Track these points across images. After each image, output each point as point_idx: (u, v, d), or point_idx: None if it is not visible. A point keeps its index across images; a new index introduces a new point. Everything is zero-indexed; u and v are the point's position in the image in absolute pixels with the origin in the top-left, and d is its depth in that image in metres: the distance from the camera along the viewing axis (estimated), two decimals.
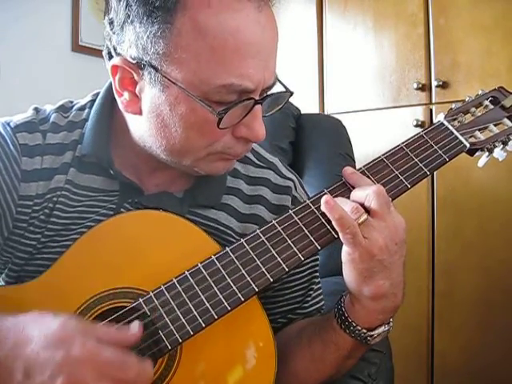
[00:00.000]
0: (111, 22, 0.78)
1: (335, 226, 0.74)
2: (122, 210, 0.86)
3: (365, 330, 0.79)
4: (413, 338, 2.09)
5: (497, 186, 1.95)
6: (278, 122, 1.53)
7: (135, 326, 0.68)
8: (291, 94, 0.82)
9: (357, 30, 2.31)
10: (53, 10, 2.33)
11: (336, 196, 0.79)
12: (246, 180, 0.94)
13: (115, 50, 0.79)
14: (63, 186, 0.86)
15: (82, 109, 0.92)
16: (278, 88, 0.82)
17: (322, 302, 0.99)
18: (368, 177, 0.80)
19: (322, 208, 0.76)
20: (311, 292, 0.97)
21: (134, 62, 0.76)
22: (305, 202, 0.80)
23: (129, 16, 0.74)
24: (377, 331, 0.79)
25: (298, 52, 2.46)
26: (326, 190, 0.80)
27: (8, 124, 0.87)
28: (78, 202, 0.86)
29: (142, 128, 0.81)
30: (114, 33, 0.78)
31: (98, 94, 0.92)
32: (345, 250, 0.75)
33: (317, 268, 0.98)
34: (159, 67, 0.74)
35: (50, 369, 0.59)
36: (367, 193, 0.75)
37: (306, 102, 2.17)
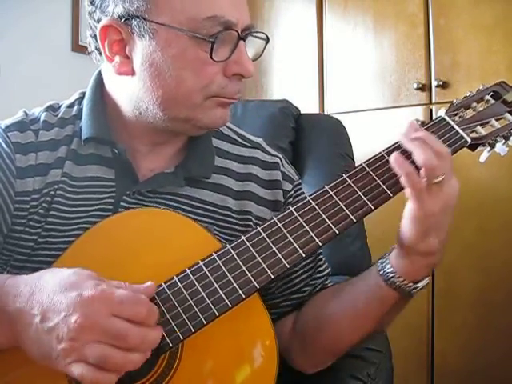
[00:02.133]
0: (92, 1, 0.84)
1: (404, 182, 0.76)
2: (121, 203, 0.87)
3: (410, 284, 0.81)
4: (413, 338, 2.09)
5: (497, 186, 1.96)
6: (277, 122, 1.52)
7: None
8: (268, 39, 0.88)
9: (357, 30, 2.31)
10: (53, 10, 2.33)
11: (337, 192, 0.79)
12: (235, 159, 0.97)
13: (100, 21, 0.83)
14: (60, 179, 0.88)
15: (70, 106, 0.95)
16: None
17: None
18: (368, 173, 0.80)
19: (391, 162, 0.78)
20: (320, 256, 1.01)
21: (121, 20, 0.80)
22: (306, 198, 0.80)
23: None
24: (421, 284, 0.82)
25: (298, 52, 2.46)
26: (326, 187, 0.80)
27: None
28: (76, 194, 0.88)
29: (136, 87, 0.84)
30: (96, 6, 0.83)
31: (84, 92, 0.95)
32: (410, 206, 0.77)
33: None
34: (146, 15, 0.79)
35: (64, 309, 0.64)
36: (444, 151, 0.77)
37: (306, 102, 2.18)
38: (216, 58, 0.79)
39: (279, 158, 1.00)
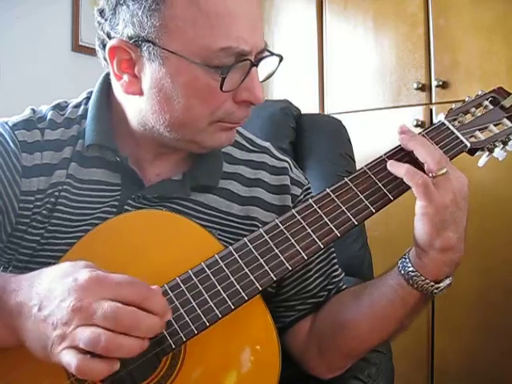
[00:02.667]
0: (102, 11, 0.81)
1: (407, 181, 0.77)
2: (125, 206, 0.87)
3: (432, 283, 0.81)
4: (413, 338, 2.09)
5: (497, 186, 1.96)
6: (278, 122, 1.52)
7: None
8: (281, 58, 0.85)
9: (357, 30, 2.31)
10: (53, 10, 2.33)
11: (339, 195, 0.79)
12: (246, 164, 0.96)
13: (109, 36, 0.81)
14: (64, 180, 0.88)
15: (77, 106, 0.94)
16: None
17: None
18: (370, 176, 0.81)
19: (389, 167, 0.79)
20: (334, 260, 1.00)
21: (131, 41, 0.78)
22: (307, 201, 0.80)
23: None
24: (443, 283, 0.82)
25: (298, 52, 2.47)
26: (328, 190, 0.80)
27: (6, 123, 0.89)
28: (80, 196, 0.87)
29: (143, 108, 0.83)
30: (106, 20, 0.81)
31: (91, 91, 0.94)
32: (419, 204, 0.77)
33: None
34: (157, 40, 0.76)
35: (59, 296, 0.63)
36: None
37: (305, 102, 2.18)
38: (226, 88, 0.78)
39: (288, 162, 1.00)
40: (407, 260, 0.83)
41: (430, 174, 0.76)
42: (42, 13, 2.28)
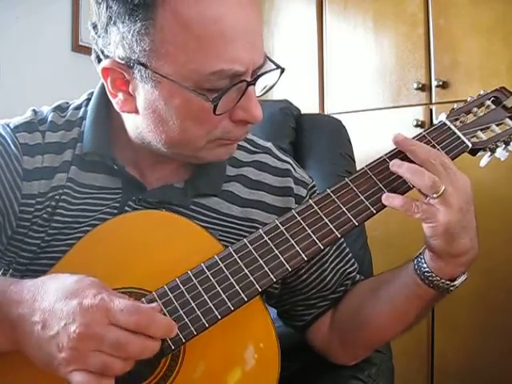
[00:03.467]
0: (95, 26, 0.79)
1: (410, 214, 0.76)
2: (126, 208, 0.87)
3: (448, 282, 0.82)
4: (413, 338, 2.09)
5: (497, 186, 1.95)
6: (277, 122, 1.52)
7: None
8: (282, 69, 0.82)
9: (357, 30, 2.31)
10: (53, 10, 2.33)
11: (339, 196, 0.79)
12: (250, 165, 0.96)
13: (103, 52, 0.79)
14: (65, 183, 0.87)
15: (78, 108, 0.93)
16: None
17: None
18: (371, 177, 0.80)
19: (384, 202, 0.77)
20: (347, 254, 1.01)
21: (122, 62, 0.76)
22: (308, 202, 0.80)
23: (111, 17, 0.74)
24: (458, 281, 0.83)
25: (298, 52, 2.46)
26: (328, 191, 0.80)
27: (7, 125, 0.88)
28: (81, 199, 0.87)
29: (140, 126, 0.82)
30: (98, 36, 0.78)
31: (92, 92, 0.93)
32: (425, 226, 0.77)
33: None
34: (148, 64, 0.74)
35: (64, 318, 0.64)
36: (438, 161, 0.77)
37: (305, 102, 2.17)
38: (220, 110, 0.75)
39: (290, 163, 0.99)
40: (422, 261, 0.83)
41: (427, 199, 0.76)
42: (41, 13, 2.28)
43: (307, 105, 2.11)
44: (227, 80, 0.74)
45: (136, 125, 0.83)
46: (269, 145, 1.01)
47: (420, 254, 0.84)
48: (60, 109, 0.93)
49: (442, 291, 0.83)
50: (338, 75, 2.38)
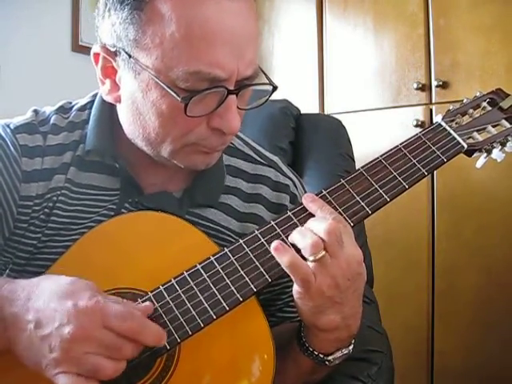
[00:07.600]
0: (98, 14, 0.82)
1: (287, 272, 0.72)
2: (122, 210, 0.87)
3: (321, 355, 0.80)
4: (413, 338, 2.09)
5: (496, 186, 1.96)
6: (277, 122, 1.53)
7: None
8: (274, 88, 0.81)
9: (357, 30, 2.31)
10: (53, 10, 2.33)
11: (336, 197, 0.79)
12: (245, 178, 0.94)
13: (101, 40, 0.81)
14: (63, 185, 0.87)
15: (82, 109, 0.92)
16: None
17: None
18: (366, 178, 0.81)
19: (273, 253, 0.73)
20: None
21: (111, 49, 0.78)
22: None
23: (106, 5, 0.78)
24: (333, 356, 0.80)
25: (298, 52, 2.46)
26: (324, 192, 0.80)
27: (8, 126, 0.88)
28: (78, 200, 0.87)
29: (123, 117, 0.83)
30: (98, 23, 0.81)
31: (96, 94, 0.93)
32: (295, 288, 0.74)
33: None
34: (131, 53, 0.76)
35: (58, 319, 0.64)
36: (322, 228, 0.72)
37: (305, 102, 2.17)
38: (195, 113, 0.74)
39: (292, 180, 0.97)
40: (302, 329, 0.81)
41: (308, 260, 0.72)
42: (41, 13, 2.29)
43: (307, 105, 2.11)
44: (206, 83, 0.73)
45: (121, 116, 0.84)
46: (275, 159, 1.00)
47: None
48: (63, 110, 0.92)
49: (317, 362, 0.80)
50: (337, 75, 2.38)
